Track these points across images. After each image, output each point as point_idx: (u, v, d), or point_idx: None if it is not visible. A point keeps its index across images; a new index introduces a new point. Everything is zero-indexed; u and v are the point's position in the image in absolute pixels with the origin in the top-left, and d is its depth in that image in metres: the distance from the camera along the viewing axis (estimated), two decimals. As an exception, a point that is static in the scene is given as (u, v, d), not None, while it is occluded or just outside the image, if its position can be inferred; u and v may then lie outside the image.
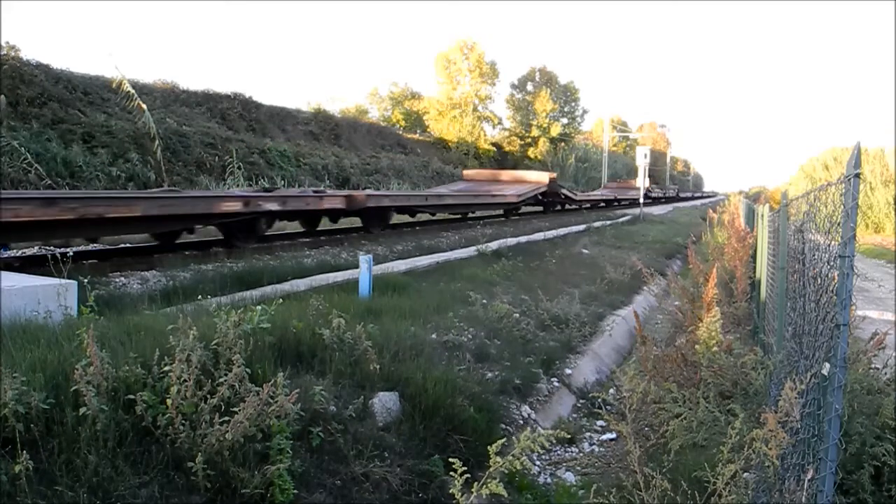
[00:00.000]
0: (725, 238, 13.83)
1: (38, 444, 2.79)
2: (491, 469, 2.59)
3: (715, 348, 4.94)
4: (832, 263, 2.51)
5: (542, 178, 24.82)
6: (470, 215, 21.00)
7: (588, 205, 32.60)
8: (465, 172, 27.29)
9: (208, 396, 3.11)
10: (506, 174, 26.51)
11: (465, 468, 2.57)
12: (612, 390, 6.28)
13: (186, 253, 9.83)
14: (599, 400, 5.08)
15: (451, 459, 2.71)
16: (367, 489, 3.50)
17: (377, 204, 14.16)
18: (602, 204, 37.10)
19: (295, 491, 3.10)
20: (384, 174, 32.95)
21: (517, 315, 7.12)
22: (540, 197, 24.26)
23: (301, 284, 7.32)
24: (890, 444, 3.27)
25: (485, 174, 26.53)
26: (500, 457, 2.61)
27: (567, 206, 29.44)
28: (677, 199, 57.99)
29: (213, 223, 10.58)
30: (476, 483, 2.58)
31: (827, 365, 2.41)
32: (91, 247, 10.46)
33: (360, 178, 30.62)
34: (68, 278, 4.78)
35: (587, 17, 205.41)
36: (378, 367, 4.33)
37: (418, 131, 48.37)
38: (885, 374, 4.07)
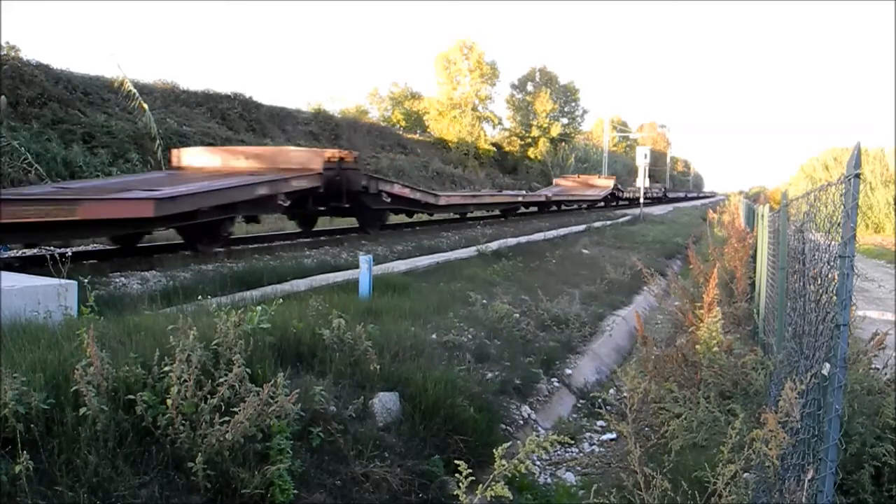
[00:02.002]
0: (726, 238, 13.83)
1: (38, 444, 2.78)
2: (496, 472, 2.59)
3: (715, 348, 4.94)
4: (832, 263, 2.51)
5: (303, 158, 12.74)
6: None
7: (459, 212, 19.74)
8: (174, 154, 13.58)
9: (208, 396, 3.11)
10: (253, 152, 14.23)
11: (468, 469, 2.57)
12: (612, 390, 6.29)
13: (186, 253, 9.83)
14: (600, 400, 5.08)
15: (456, 462, 2.71)
16: (367, 489, 3.50)
17: None
18: (519, 209, 24.51)
19: (295, 491, 3.10)
20: (384, 174, 32.91)
21: (517, 315, 7.12)
22: (283, 202, 11.12)
23: (301, 284, 7.33)
24: (890, 445, 3.27)
25: (219, 154, 13.72)
26: (504, 460, 2.61)
27: (426, 217, 17.86)
28: (665, 199, 49.80)
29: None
30: (479, 485, 2.58)
31: (827, 365, 2.41)
32: (91, 247, 10.46)
33: (360, 178, 30.57)
34: (68, 278, 4.78)
35: (587, 17, 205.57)
36: (378, 367, 4.33)
37: (418, 131, 48.37)
38: (885, 374, 4.07)
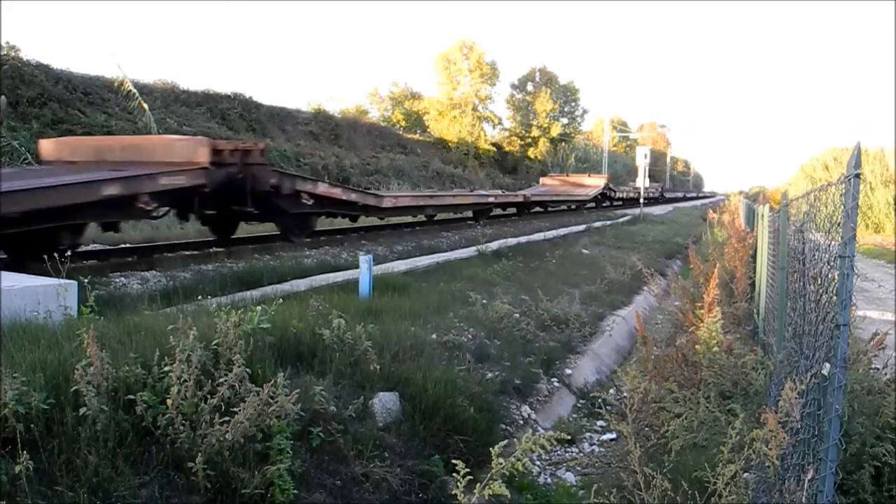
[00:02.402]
0: (725, 238, 13.83)
1: (39, 444, 2.78)
2: (493, 470, 2.59)
3: (715, 348, 4.94)
4: (832, 263, 2.51)
5: (187, 150, 9.97)
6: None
7: (427, 215, 17.41)
8: (41, 145, 11.40)
9: (208, 396, 3.11)
10: (129, 143, 11.73)
11: (467, 468, 2.57)
12: (612, 390, 6.29)
13: (186, 253, 9.85)
14: (600, 400, 5.08)
15: (453, 461, 2.71)
16: (367, 489, 3.50)
17: None
18: (492, 210, 21.47)
19: (295, 491, 3.10)
20: (384, 174, 32.96)
21: (517, 315, 7.12)
22: (148, 205, 8.87)
23: (301, 284, 7.33)
24: (890, 444, 3.27)
25: (91, 146, 11.31)
26: (502, 458, 2.61)
27: (377, 221, 15.53)
28: (663, 200, 47.42)
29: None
30: (478, 484, 2.58)
31: (827, 365, 2.41)
32: (91, 247, 10.46)
33: (361, 178, 30.63)
34: (68, 278, 4.78)
35: (587, 17, 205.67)
36: (378, 367, 4.33)
37: (418, 131, 48.38)
38: (885, 374, 4.07)
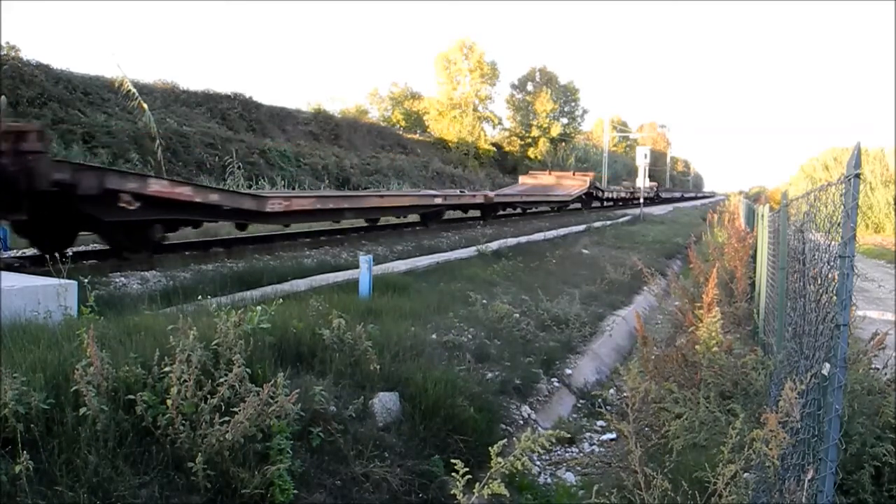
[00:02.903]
0: (725, 238, 13.83)
1: (38, 444, 2.78)
2: (492, 470, 2.59)
3: (715, 349, 4.94)
4: (832, 263, 2.51)
5: None
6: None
7: (339, 219, 13.43)
8: None
9: (208, 397, 3.11)
10: None
11: (466, 468, 2.57)
12: (612, 390, 6.29)
13: (186, 253, 9.85)
14: (600, 400, 5.08)
15: (452, 460, 2.71)
16: (367, 489, 3.50)
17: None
18: (444, 213, 17.55)
19: (295, 491, 3.10)
20: (384, 174, 32.98)
21: (517, 315, 7.12)
22: None
23: (301, 284, 7.33)
24: (890, 445, 3.27)
25: None
26: (501, 457, 2.61)
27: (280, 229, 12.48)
28: (659, 199, 45.41)
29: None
30: (477, 483, 2.57)
31: (827, 365, 2.41)
32: (91, 247, 10.46)
33: (361, 178, 30.65)
34: (68, 278, 4.78)
35: (587, 17, 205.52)
36: (378, 367, 4.33)
37: (418, 131, 48.40)
38: (886, 374, 4.07)
